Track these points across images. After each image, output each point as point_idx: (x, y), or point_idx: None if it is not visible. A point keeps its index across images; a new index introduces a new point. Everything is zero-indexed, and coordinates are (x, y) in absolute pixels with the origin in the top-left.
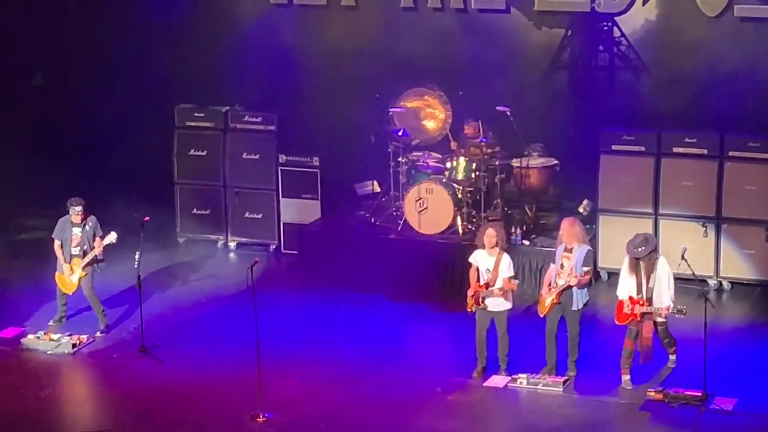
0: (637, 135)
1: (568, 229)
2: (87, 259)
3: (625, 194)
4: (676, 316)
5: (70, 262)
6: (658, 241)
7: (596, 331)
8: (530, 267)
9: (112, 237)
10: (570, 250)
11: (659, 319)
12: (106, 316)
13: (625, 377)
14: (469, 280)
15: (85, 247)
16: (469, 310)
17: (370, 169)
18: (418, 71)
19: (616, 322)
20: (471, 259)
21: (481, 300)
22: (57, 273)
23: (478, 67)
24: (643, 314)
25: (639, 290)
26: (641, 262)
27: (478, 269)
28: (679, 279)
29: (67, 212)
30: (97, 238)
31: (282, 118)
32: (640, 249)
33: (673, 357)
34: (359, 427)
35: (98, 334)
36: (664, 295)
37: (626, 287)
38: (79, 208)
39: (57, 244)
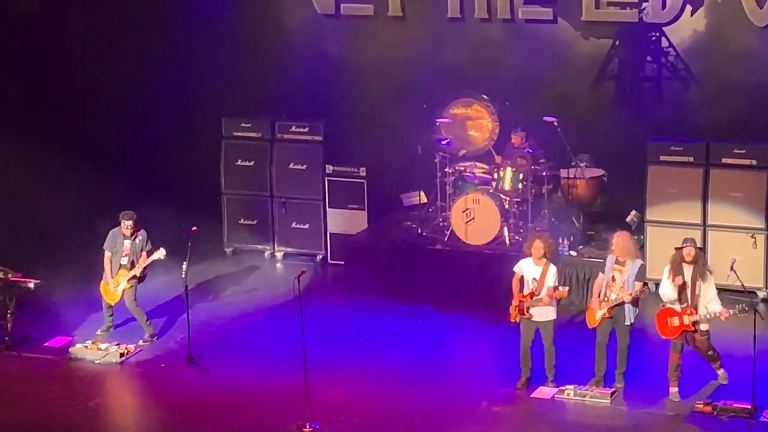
0: (686, 145)
1: (621, 243)
2: (133, 272)
3: (674, 205)
4: (739, 315)
5: (117, 273)
6: (707, 252)
7: (644, 343)
8: (577, 278)
9: (161, 253)
10: (622, 263)
11: (702, 329)
12: (152, 325)
13: (673, 390)
14: (513, 290)
15: (132, 259)
16: (512, 320)
17: (416, 180)
18: (464, 81)
19: (662, 336)
20: (516, 268)
21: (526, 309)
22: (102, 282)
23: (525, 78)
24: (695, 323)
25: (683, 299)
26: (690, 268)
27: (522, 278)
28: (728, 290)
29: (119, 224)
30: (144, 254)
31: (329, 128)
32: (687, 245)
33: (721, 372)
34: None
35: (141, 342)
36: (712, 302)
37: (667, 293)
38: (129, 223)
39: (107, 255)
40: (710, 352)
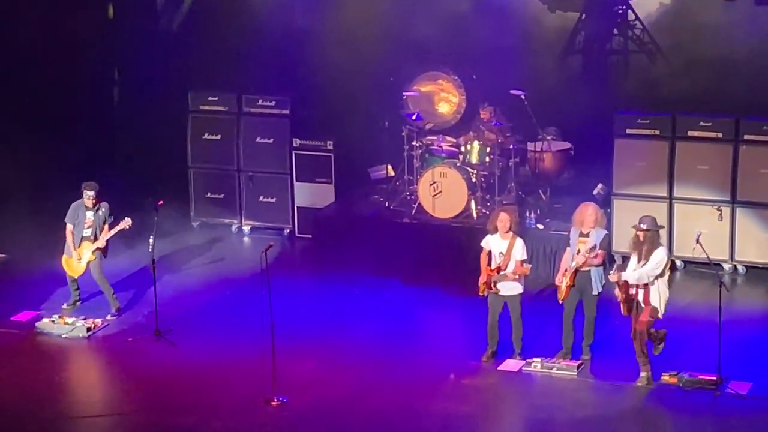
0: (652, 118)
1: (586, 213)
2: (97, 244)
3: (640, 178)
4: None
5: (80, 245)
6: (673, 225)
7: (611, 315)
8: (544, 251)
9: (126, 222)
10: (586, 235)
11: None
12: (117, 299)
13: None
14: (481, 265)
15: (95, 232)
16: (480, 294)
17: (384, 153)
18: (432, 55)
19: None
20: (483, 243)
21: (493, 284)
22: (64, 256)
23: (492, 51)
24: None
25: None
26: (643, 246)
27: (490, 253)
28: (693, 263)
29: (81, 196)
30: (106, 226)
31: (296, 102)
32: (642, 225)
33: (644, 374)
34: (373, 411)
35: (109, 317)
36: (636, 271)
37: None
38: (92, 193)
39: (69, 228)
40: (641, 344)
